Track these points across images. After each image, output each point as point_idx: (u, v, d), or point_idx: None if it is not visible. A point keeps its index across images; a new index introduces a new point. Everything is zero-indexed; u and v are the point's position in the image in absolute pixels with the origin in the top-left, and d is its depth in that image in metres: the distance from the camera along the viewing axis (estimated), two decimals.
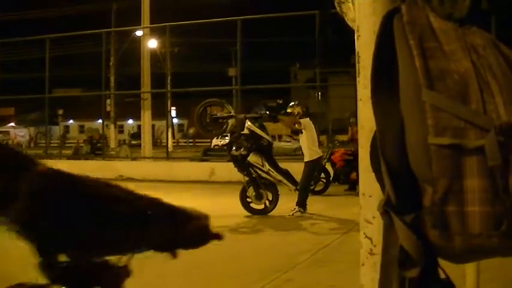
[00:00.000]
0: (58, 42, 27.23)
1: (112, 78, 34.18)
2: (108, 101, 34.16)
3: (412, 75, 1.65)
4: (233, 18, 21.79)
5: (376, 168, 1.77)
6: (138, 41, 32.44)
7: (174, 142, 37.02)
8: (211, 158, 23.97)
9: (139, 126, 65.77)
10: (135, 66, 35.44)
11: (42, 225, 1.75)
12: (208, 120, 13.24)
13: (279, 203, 12.21)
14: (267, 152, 12.46)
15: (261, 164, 12.12)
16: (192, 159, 25.18)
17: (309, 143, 12.58)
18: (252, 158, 12.15)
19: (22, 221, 1.72)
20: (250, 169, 12.18)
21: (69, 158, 27.01)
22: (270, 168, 12.18)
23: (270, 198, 12.16)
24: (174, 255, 1.99)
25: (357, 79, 2.39)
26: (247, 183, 12.21)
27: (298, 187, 12.34)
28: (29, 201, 1.74)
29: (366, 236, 2.33)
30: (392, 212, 1.69)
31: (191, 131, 57.99)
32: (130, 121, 64.08)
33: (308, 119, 12.90)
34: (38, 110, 64.45)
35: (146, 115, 24.43)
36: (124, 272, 2.02)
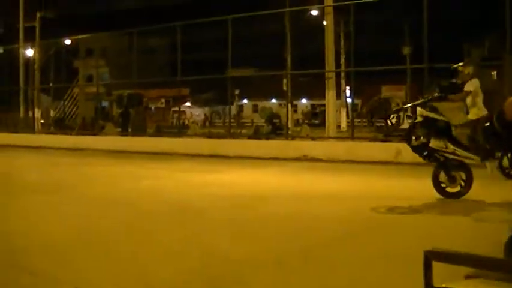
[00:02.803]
0: (234, 23, 27.22)
1: (288, 58, 34.29)
2: (284, 81, 34.34)
3: None
4: None
5: None
6: (311, 20, 32.44)
7: (348, 122, 36.60)
8: (394, 138, 23.41)
9: (312, 105, 66.52)
10: (308, 46, 35.39)
11: None
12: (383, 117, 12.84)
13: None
14: (446, 132, 11.73)
15: (444, 146, 11.50)
16: (372, 140, 24.72)
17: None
18: (434, 143, 11.52)
19: None
20: (436, 155, 11.61)
21: (249, 137, 27.41)
22: (454, 148, 11.51)
23: (464, 179, 11.46)
24: None
25: None
26: (437, 168, 11.68)
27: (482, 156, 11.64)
28: None
29: None
30: None
31: (365, 110, 57.21)
32: (303, 100, 64.26)
33: (477, 79, 12.10)
34: (211, 90, 66.30)
35: (330, 94, 24.12)
36: None
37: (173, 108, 54.76)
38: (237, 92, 54.32)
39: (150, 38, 56.80)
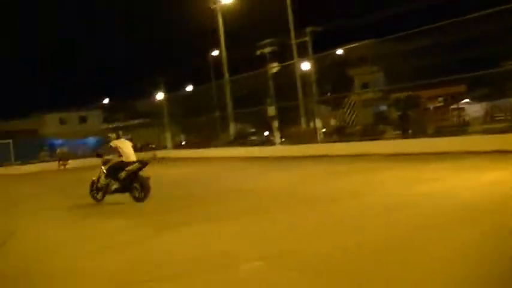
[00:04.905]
0: None
1: None
2: None
3: None
4: None
5: None
6: None
7: None
8: None
9: None
10: None
11: None
12: None
13: None
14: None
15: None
16: None
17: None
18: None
19: None
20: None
21: None
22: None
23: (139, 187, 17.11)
24: None
25: None
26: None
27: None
28: None
29: None
30: None
31: None
32: None
33: (121, 139, 18.08)
34: (487, 85, 63.86)
35: None
36: None
37: (452, 107, 53.40)
38: None
39: (420, 40, 56.27)
